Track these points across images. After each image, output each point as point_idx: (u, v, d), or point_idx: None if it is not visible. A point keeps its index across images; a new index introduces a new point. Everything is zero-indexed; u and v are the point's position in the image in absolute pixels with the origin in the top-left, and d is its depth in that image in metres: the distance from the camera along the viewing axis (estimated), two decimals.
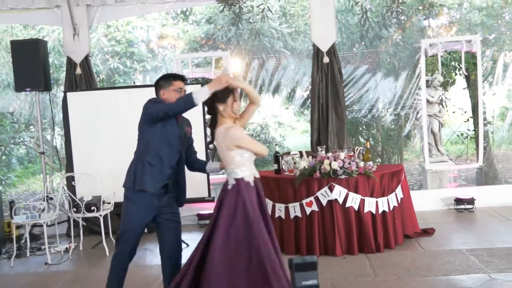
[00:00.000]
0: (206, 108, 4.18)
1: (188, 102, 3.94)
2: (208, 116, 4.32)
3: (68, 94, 7.53)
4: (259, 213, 3.97)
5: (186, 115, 4.29)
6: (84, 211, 6.80)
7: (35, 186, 12.71)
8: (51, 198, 7.28)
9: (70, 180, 7.29)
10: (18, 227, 7.49)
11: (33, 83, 7.64)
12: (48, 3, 8.12)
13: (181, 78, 4.32)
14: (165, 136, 4.18)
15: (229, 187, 4.02)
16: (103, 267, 5.44)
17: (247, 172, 4.03)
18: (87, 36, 8.22)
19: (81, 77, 8.09)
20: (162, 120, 4.12)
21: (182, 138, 4.29)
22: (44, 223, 6.70)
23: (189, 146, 4.47)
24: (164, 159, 4.20)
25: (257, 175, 4.13)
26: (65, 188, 7.09)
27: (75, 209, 6.93)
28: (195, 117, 6.10)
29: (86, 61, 8.17)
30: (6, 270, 6.49)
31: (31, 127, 11.77)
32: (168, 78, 4.29)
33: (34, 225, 7.43)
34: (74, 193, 7.13)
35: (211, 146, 4.19)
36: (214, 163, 4.58)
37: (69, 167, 7.54)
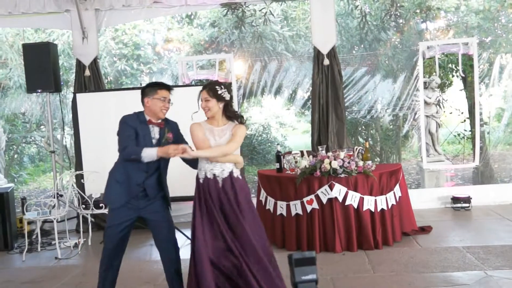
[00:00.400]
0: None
1: (136, 156, 4.04)
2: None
3: (78, 95, 7.55)
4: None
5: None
6: (93, 207, 6.83)
7: (45, 184, 12.73)
8: (61, 195, 7.32)
9: (79, 178, 7.31)
10: (30, 222, 7.51)
11: (44, 85, 7.67)
12: (58, 7, 8.14)
13: (167, 87, 4.28)
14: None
15: (240, 177, 4.19)
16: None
17: (201, 170, 4.17)
18: (95, 39, 8.23)
19: (90, 79, 8.11)
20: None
21: (159, 140, 4.22)
22: (54, 219, 6.72)
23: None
24: (132, 176, 4.18)
25: (209, 175, 4.13)
26: (75, 185, 7.13)
27: (84, 206, 6.96)
28: None
29: (94, 63, 8.19)
30: (18, 264, 6.52)
31: (42, 127, 11.80)
32: (154, 87, 4.26)
33: (45, 221, 7.47)
34: (83, 191, 7.15)
35: None
36: None
37: (78, 165, 7.57)
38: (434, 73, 8.50)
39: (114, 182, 4.24)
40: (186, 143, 4.30)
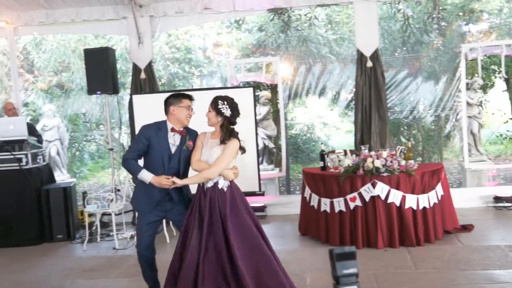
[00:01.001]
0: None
1: (134, 173, 4.27)
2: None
3: (134, 96, 7.64)
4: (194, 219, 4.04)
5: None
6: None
7: (104, 179, 12.96)
8: (119, 190, 7.44)
9: None
10: (90, 215, 7.66)
11: (103, 87, 7.80)
12: (116, 15, 8.29)
13: (190, 97, 4.33)
14: (151, 163, 4.24)
15: (224, 189, 4.12)
16: (164, 252, 5.50)
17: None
18: (150, 44, 8.34)
19: (145, 81, 8.22)
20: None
21: (178, 155, 4.24)
22: (112, 212, 6.87)
23: None
24: (154, 173, 4.21)
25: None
26: (131, 181, 7.23)
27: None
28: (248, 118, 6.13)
29: (149, 67, 8.30)
30: (80, 253, 6.68)
31: (101, 126, 12.02)
32: (178, 96, 4.32)
33: (104, 214, 7.60)
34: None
35: None
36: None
37: None
38: (476, 75, 8.25)
39: (139, 190, 4.33)
40: None
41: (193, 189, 4.28)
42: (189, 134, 4.31)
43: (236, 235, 3.93)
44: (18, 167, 7.21)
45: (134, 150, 4.24)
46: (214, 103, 4.08)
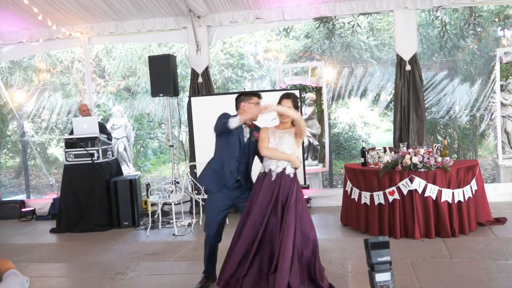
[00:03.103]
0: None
1: (224, 125, 4.19)
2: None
3: (192, 98, 7.75)
4: (260, 203, 4.04)
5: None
6: (203, 193, 7.01)
7: (165, 173, 13.13)
8: (178, 182, 7.57)
9: (192, 168, 7.52)
10: (153, 204, 7.85)
11: (165, 90, 7.94)
12: (177, 25, 8.43)
13: (258, 95, 4.41)
14: (227, 145, 4.31)
15: (290, 175, 4.16)
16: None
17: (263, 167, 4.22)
18: (207, 51, 8.44)
19: (202, 85, 8.33)
20: (223, 133, 4.29)
21: (248, 145, 4.32)
22: (172, 202, 6.99)
23: None
24: (225, 164, 4.31)
25: (267, 170, 4.16)
26: (189, 174, 7.33)
27: (196, 192, 7.16)
28: None
29: (206, 71, 8.40)
30: (143, 238, 6.83)
31: (163, 125, 12.16)
32: (249, 94, 4.42)
33: (164, 203, 7.75)
34: (196, 179, 7.35)
35: None
36: None
37: (192, 157, 7.77)
38: (510, 77, 7.98)
39: (211, 170, 4.40)
40: None
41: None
42: (256, 129, 4.41)
43: (295, 221, 3.97)
44: (90, 161, 7.43)
45: (220, 121, 4.29)
46: (295, 101, 4.20)
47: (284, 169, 4.13)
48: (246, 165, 4.39)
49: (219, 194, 4.37)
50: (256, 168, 4.39)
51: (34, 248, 6.56)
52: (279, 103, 4.20)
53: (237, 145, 4.30)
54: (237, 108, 4.40)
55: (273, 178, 4.11)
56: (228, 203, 4.39)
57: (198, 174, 7.36)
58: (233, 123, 4.15)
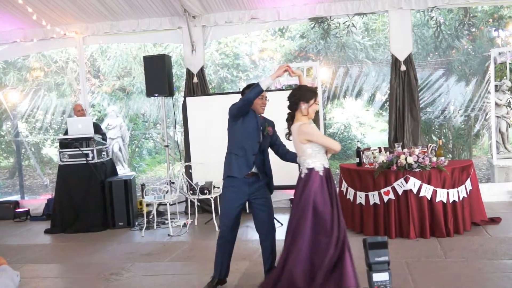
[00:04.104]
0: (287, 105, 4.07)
1: (255, 88, 4.06)
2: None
3: (187, 98, 7.73)
4: (326, 201, 3.81)
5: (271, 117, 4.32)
6: (199, 193, 7.00)
7: (160, 173, 13.10)
8: (173, 183, 7.54)
9: (188, 168, 7.50)
10: (148, 205, 7.81)
11: (160, 90, 7.89)
12: (172, 25, 8.41)
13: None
14: (245, 130, 4.24)
15: (302, 175, 3.91)
16: (213, 239, 5.52)
17: (318, 163, 3.87)
18: (202, 51, 8.42)
19: (197, 85, 8.31)
20: (241, 116, 4.21)
21: (261, 131, 4.28)
22: (167, 202, 6.97)
23: (274, 141, 4.42)
24: (247, 148, 4.24)
25: (327, 166, 3.94)
26: (184, 174, 7.29)
27: (191, 192, 7.14)
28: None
29: (201, 71, 8.38)
30: (138, 238, 6.81)
31: (158, 125, 12.15)
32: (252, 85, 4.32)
33: (160, 204, 7.71)
34: (191, 179, 7.34)
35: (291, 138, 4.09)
36: None
37: (187, 157, 7.75)
38: (505, 77, 8.02)
39: (234, 157, 4.29)
40: (280, 140, 4.41)
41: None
42: (268, 121, 4.38)
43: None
44: (85, 162, 7.40)
45: (237, 102, 4.23)
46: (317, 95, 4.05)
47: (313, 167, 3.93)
48: (263, 159, 4.32)
49: (233, 190, 4.27)
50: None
51: (28, 249, 6.53)
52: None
53: (254, 131, 4.24)
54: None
55: (321, 174, 3.91)
56: (243, 199, 4.29)
57: (193, 175, 7.37)
58: (264, 84, 4.04)
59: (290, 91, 4.09)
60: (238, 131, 4.28)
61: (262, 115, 4.36)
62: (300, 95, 3.94)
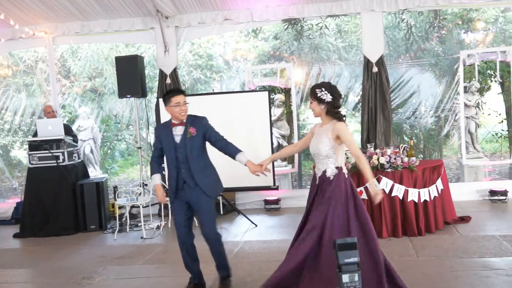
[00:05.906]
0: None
1: (151, 174, 4.57)
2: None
3: (160, 100, 7.65)
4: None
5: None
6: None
7: (133, 175, 12.98)
8: (146, 185, 7.49)
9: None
10: (120, 207, 7.73)
11: (132, 91, 7.84)
12: (144, 25, 8.35)
13: (179, 92, 4.25)
14: (166, 153, 4.35)
15: (330, 177, 3.86)
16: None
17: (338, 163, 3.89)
18: (175, 52, 8.39)
19: (170, 86, 8.25)
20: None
21: (184, 144, 4.23)
22: (140, 204, 6.91)
23: (209, 138, 4.32)
24: (170, 174, 4.35)
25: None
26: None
27: (165, 194, 7.08)
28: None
29: (174, 72, 8.35)
30: (111, 242, 6.74)
31: (130, 126, 12.05)
32: (168, 95, 4.25)
33: (132, 206, 7.66)
34: (164, 181, 7.27)
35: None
36: (243, 156, 4.25)
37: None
38: (473, 79, 8.19)
39: (169, 178, 4.41)
40: (219, 134, 4.34)
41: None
42: (193, 122, 4.28)
43: (332, 214, 3.92)
44: (55, 164, 7.30)
45: (155, 148, 4.44)
46: (313, 94, 3.82)
47: (325, 171, 3.93)
48: (189, 170, 4.25)
49: (171, 198, 4.40)
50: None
51: None
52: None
53: (171, 152, 4.28)
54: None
55: (317, 182, 4.02)
56: (184, 204, 4.33)
57: (166, 176, 7.28)
58: (153, 181, 4.45)
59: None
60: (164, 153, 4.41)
61: (190, 114, 4.30)
62: (336, 104, 3.86)
